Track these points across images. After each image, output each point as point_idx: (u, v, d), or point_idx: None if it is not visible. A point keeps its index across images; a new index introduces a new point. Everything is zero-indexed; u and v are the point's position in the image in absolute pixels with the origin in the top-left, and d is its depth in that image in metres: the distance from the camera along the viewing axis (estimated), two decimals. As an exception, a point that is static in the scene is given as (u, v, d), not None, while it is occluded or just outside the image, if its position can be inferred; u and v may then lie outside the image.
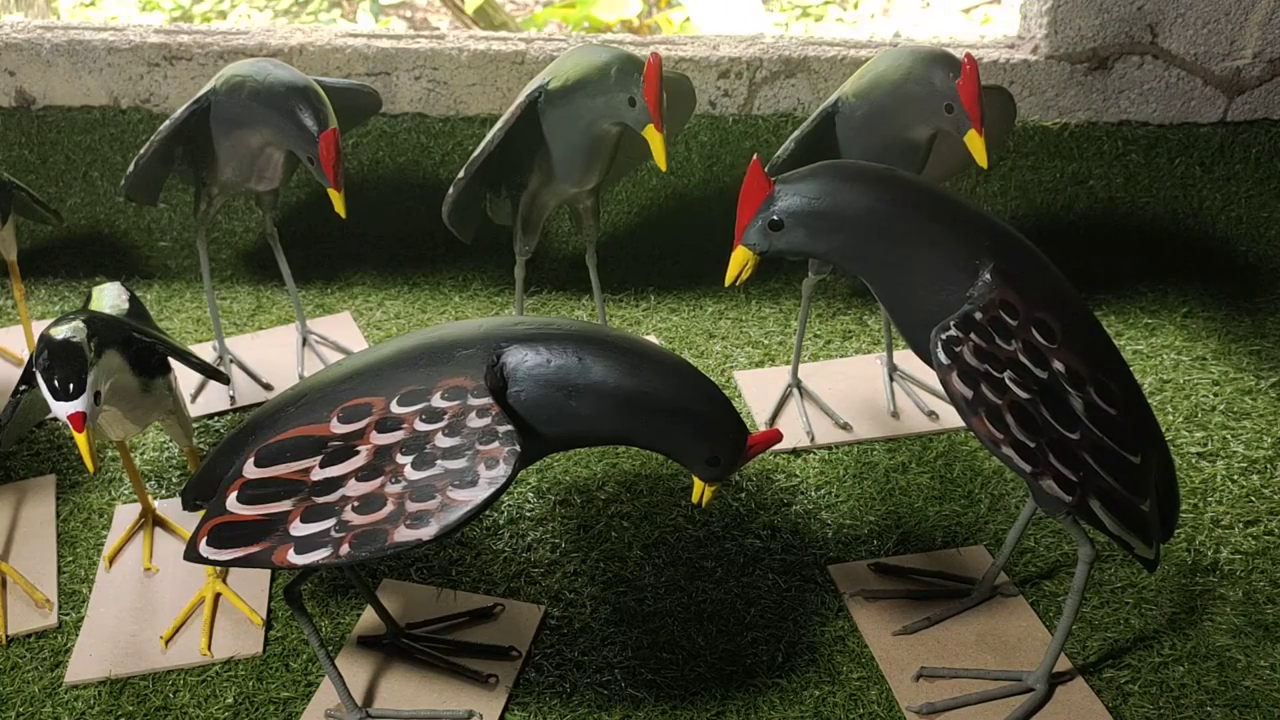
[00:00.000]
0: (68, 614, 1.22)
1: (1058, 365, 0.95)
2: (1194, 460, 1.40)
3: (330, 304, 1.77)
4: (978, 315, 0.94)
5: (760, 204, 0.98)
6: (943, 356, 0.94)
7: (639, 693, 1.12)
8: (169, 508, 1.34)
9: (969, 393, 0.94)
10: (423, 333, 1.01)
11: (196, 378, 1.54)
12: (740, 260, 1.02)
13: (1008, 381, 0.94)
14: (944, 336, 0.94)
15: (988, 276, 0.95)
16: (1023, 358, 0.94)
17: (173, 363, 1.15)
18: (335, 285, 1.81)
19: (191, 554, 0.97)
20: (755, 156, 0.99)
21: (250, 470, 0.96)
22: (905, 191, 0.98)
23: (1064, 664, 1.13)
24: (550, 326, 0.98)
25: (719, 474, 1.00)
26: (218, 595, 1.22)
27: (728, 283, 1.03)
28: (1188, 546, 1.27)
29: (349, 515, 0.92)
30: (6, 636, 1.19)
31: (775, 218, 0.98)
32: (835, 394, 1.52)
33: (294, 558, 0.93)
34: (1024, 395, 0.94)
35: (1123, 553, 1.25)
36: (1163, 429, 1.22)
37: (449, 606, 1.21)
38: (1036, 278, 0.97)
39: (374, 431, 0.94)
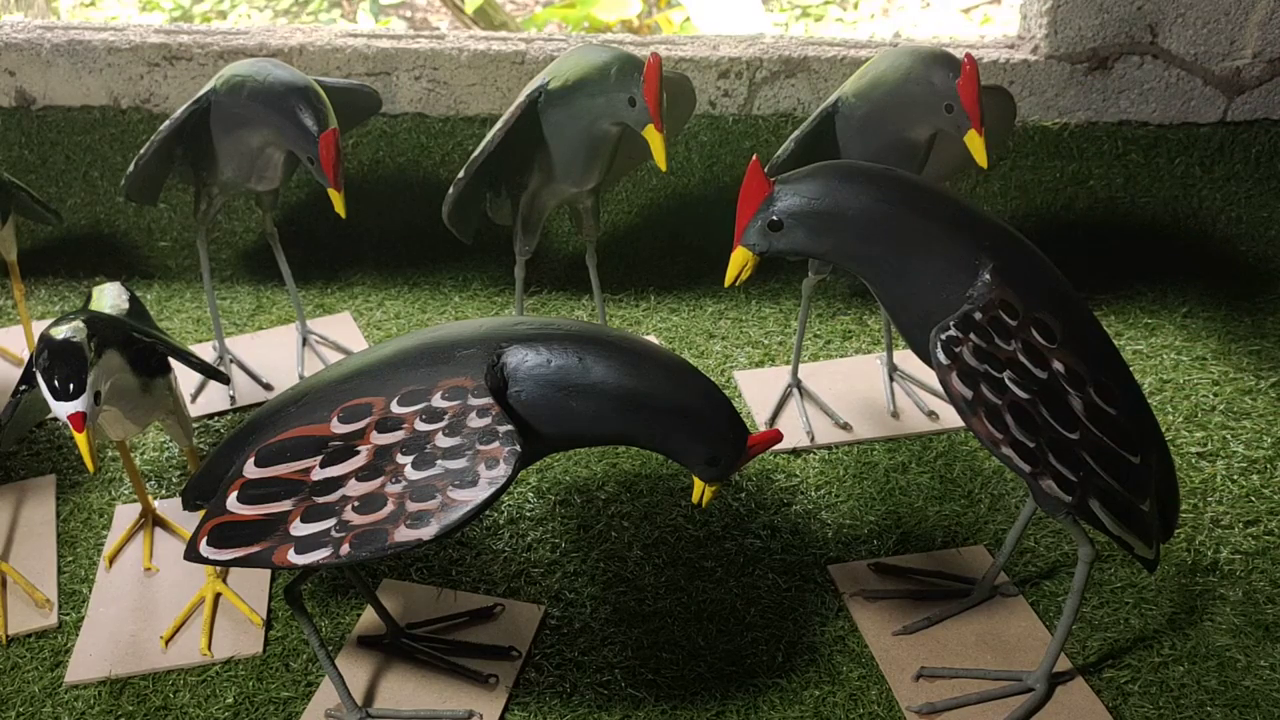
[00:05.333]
0: (68, 614, 1.22)
1: (1057, 365, 0.95)
2: (1194, 460, 1.40)
3: (330, 304, 1.77)
4: (977, 315, 0.94)
5: (760, 204, 0.98)
6: (942, 356, 0.94)
7: (639, 693, 1.12)
8: (169, 508, 1.34)
9: (969, 393, 0.94)
10: (423, 333, 1.01)
11: (196, 378, 1.54)
12: (740, 260, 1.01)
13: (1007, 382, 0.94)
14: (944, 336, 0.94)
15: (987, 276, 0.95)
16: (1022, 358, 0.94)
17: (173, 363, 1.15)
18: (335, 285, 1.81)
19: (192, 554, 0.97)
20: (755, 156, 0.99)
21: (250, 470, 0.96)
22: (905, 192, 0.97)
23: (1064, 664, 1.13)
24: (550, 326, 0.98)
25: (719, 474, 1.00)
26: (218, 595, 1.22)
27: (727, 283, 1.03)
28: (1188, 546, 1.27)
29: (349, 515, 0.92)
30: (6, 636, 1.19)
31: (775, 218, 0.98)
32: (835, 394, 1.52)
33: (294, 558, 0.93)
34: (1023, 395, 0.94)
35: (1123, 553, 1.25)
36: (1163, 429, 1.22)
37: (449, 606, 1.21)
38: (1036, 278, 0.97)
39: (374, 431, 0.94)
